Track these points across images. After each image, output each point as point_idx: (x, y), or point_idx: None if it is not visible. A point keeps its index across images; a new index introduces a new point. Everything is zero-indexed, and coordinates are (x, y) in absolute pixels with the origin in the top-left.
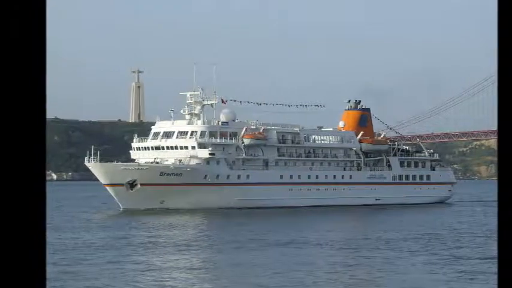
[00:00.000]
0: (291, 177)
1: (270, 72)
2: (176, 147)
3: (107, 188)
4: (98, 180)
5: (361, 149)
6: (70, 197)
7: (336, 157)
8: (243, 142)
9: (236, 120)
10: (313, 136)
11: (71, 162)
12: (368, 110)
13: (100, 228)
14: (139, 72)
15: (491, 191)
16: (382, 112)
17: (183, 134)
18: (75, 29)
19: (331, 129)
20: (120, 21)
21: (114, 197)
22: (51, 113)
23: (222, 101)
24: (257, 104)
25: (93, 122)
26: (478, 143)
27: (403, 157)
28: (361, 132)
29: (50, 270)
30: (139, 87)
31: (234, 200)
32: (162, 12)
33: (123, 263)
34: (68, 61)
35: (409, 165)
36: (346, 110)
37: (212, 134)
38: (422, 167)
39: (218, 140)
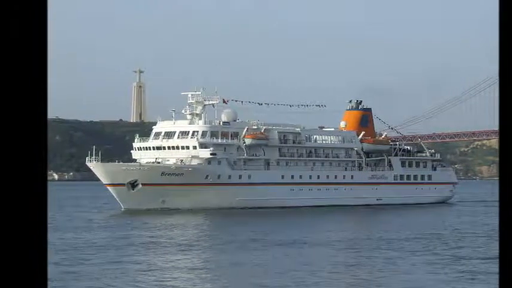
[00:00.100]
0: (292, 177)
1: (270, 72)
2: (177, 147)
3: (108, 188)
4: (99, 180)
5: (362, 149)
6: (71, 197)
7: (338, 157)
8: (244, 142)
9: (237, 120)
10: (315, 136)
11: (72, 162)
12: (369, 110)
13: (101, 228)
14: (140, 72)
15: (492, 191)
16: (384, 112)
17: (184, 134)
18: (76, 29)
19: (332, 129)
20: (122, 21)
21: (116, 197)
22: (52, 113)
23: (224, 101)
24: (258, 104)
25: (94, 122)
26: (479, 143)
27: (404, 157)
28: (363, 132)
29: (52, 270)
30: (140, 87)
31: (235, 200)
32: (163, 12)
33: (124, 263)
34: (69, 61)
35: (410, 165)
36: (347, 110)
37: (213, 134)
38: (424, 167)
39: (219, 140)
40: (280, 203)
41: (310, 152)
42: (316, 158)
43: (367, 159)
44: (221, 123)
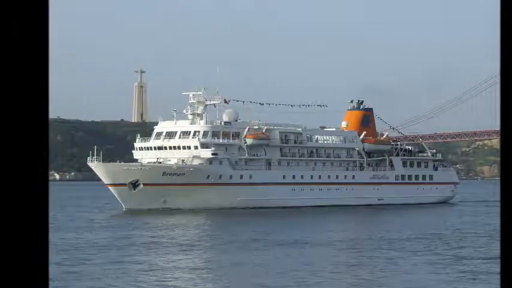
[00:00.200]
0: (294, 177)
1: (270, 72)
2: (179, 147)
3: (110, 188)
4: (100, 180)
5: (363, 149)
6: (73, 197)
7: (339, 157)
8: (245, 142)
9: (239, 120)
10: (316, 136)
11: (73, 162)
12: (371, 110)
13: (103, 228)
14: (142, 72)
15: (494, 191)
16: (384, 112)
17: (185, 134)
18: (77, 29)
19: (333, 129)
20: (122, 21)
21: (117, 197)
22: (53, 113)
23: (225, 101)
24: (260, 104)
25: (95, 122)
26: (480, 143)
27: (405, 157)
28: (364, 132)
29: (53, 270)
30: (142, 87)
31: (236, 200)
32: (163, 12)
33: (125, 263)
34: (70, 61)
35: (411, 165)
36: (348, 110)
37: (215, 134)
38: (425, 167)
39: (221, 140)
40: (281, 203)
41: (312, 152)
42: (318, 158)
43: (368, 159)
44: (222, 123)
